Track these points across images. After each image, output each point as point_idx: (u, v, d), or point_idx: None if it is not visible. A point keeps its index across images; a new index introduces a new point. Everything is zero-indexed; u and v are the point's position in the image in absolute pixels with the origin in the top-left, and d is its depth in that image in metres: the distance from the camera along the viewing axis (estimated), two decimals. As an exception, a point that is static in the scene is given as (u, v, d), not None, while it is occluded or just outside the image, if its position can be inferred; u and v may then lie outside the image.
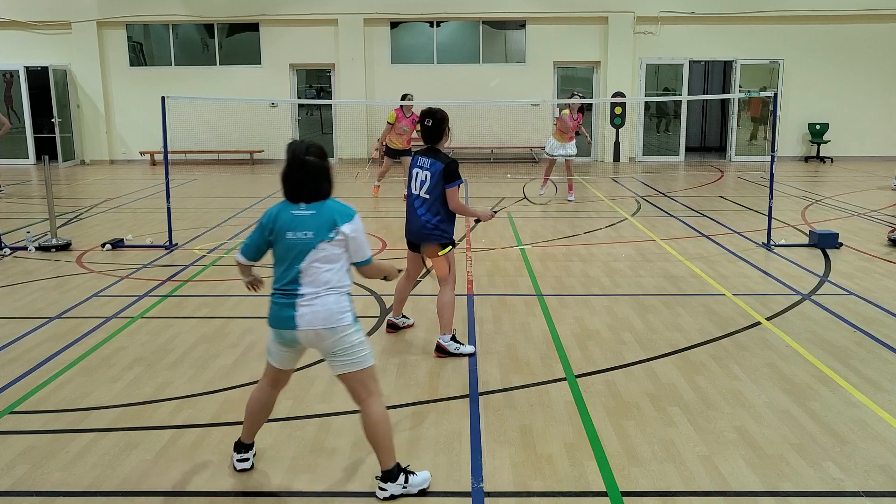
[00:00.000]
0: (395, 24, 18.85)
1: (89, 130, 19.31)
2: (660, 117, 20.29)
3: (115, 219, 11.30)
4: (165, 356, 5.55)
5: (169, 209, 9.34)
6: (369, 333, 5.99)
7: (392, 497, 3.60)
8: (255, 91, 18.37)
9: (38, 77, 18.35)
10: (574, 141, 12.74)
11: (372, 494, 3.66)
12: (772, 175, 8.95)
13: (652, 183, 15.07)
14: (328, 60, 18.91)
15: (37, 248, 9.01)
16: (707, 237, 9.67)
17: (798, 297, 6.93)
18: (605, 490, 3.69)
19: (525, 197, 6.64)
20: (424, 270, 6.17)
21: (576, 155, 12.64)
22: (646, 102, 19.30)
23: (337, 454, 4.07)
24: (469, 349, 5.52)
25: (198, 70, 19.05)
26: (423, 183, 5.38)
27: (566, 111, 12.45)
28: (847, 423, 4.38)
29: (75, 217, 11.43)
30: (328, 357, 3.60)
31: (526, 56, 18.84)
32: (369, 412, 3.60)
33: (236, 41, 19.25)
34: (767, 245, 9.03)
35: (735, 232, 9.97)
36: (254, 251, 3.68)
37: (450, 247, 5.45)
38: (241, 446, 3.90)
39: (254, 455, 3.94)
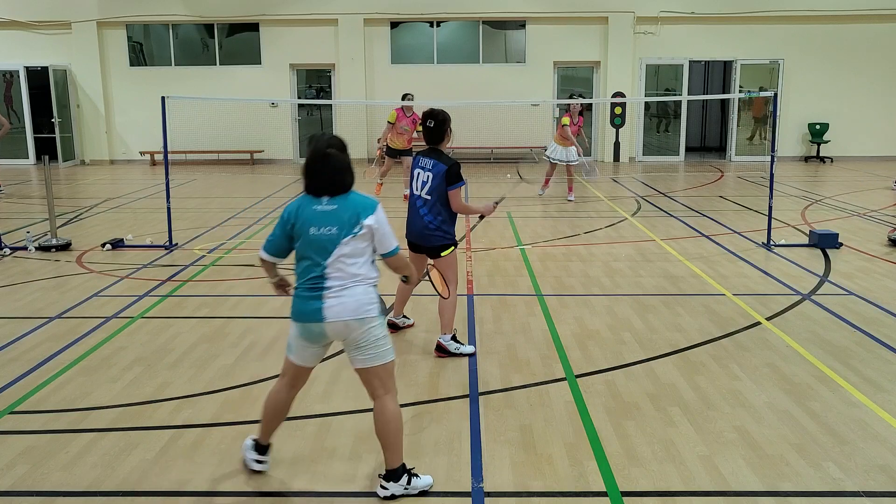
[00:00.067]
0: (395, 24, 18.85)
1: (89, 130, 19.31)
2: (660, 117, 20.30)
3: (115, 219, 11.30)
4: (165, 356, 5.55)
5: (169, 209, 9.34)
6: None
7: (392, 497, 3.60)
8: (255, 91, 18.37)
9: (38, 77, 18.35)
10: (575, 147, 12.72)
11: (372, 494, 3.66)
12: (772, 175, 8.95)
13: (652, 183, 15.08)
14: (328, 60, 18.91)
15: (37, 248, 9.01)
16: (707, 237, 9.67)
17: (798, 297, 6.93)
18: (605, 490, 3.69)
19: (519, 175, 6.63)
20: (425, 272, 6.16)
21: (577, 161, 12.62)
22: (646, 102, 19.30)
23: (337, 454, 4.07)
24: (469, 349, 5.52)
25: (198, 70, 19.05)
26: (424, 184, 5.37)
27: (567, 119, 12.43)
28: (847, 423, 4.38)
29: (75, 217, 11.43)
30: (351, 350, 3.58)
31: (526, 56, 18.84)
32: (384, 409, 3.59)
33: (236, 41, 19.24)
34: (767, 245, 9.03)
35: (735, 232, 9.97)
36: (276, 247, 3.64)
37: (452, 247, 5.46)
38: (261, 447, 3.86)
39: None
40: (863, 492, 3.66)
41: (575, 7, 18.36)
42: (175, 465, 3.96)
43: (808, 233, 9.44)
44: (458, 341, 5.53)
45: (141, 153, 19.10)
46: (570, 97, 13.17)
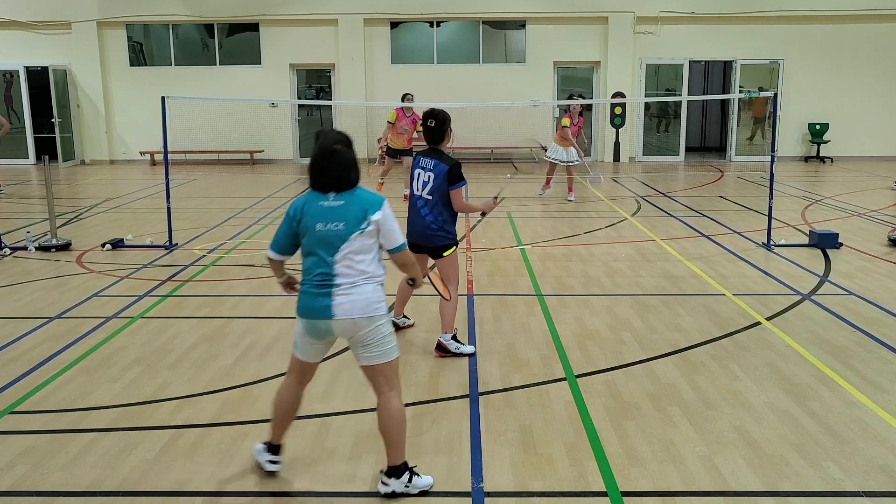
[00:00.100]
0: (395, 24, 18.85)
1: (89, 130, 19.32)
2: (660, 117, 20.30)
3: (115, 219, 11.30)
4: (165, 356, 5.55)
5: (169, 209, 9.34)
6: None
7: (393, 494, 3.60)
8: (255, 91, 18.37)
9: (38, 77, 18.35)
10: (574, 148, 12.72)
11: (372, 494, 3.66)
12: (772, 175, 8.95)
13: (652, 183, 15.07)
14: (328, 60, 18.91)
15: (37, 248, 9.01)
16: (707, 237, 9.67)
17: (798, 297, 6.93)
18: (605, 490, 3.69)
19: (513, 164, 6.60)
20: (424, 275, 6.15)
21: (577, 162, 12.63)
22: (646, 102, 19.30)
23: (337, 454, 4.07)
24: (469, 349, 5.52)
25: (198, 70, 19.05)
26: (425, 184, 5.37)
27: (567, 120, 12.43)
28: (847, 423, 4.38)
29: (75, 217, 11.43)
30: (358, 348, 3.58)
31: (526, 56, 18.84)
32: (388, 406, 3.59)
33: (236, 41, 19.24)
34: (767, 245, 9.03)
35: (735, 232, 9.97)
36: (283, 245, 3.64)
37: (454, 247, 5.46)
38: (273, 447, 3.84)
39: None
40: (863, 492, 3.66)
41: (575, 7, 18.37)
42: (175, 465, 3.96)
43: (808, 233, 9.44)
44: (458, 341, 5.53)
45: (141, 153, 19.10)
46: (570, 97, 13.15)
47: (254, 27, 18.89)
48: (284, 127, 18.99)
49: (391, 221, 3.58)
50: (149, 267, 8.26)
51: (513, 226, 10.48)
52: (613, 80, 18.56)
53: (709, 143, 22.13)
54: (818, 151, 18.71)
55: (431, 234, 5.38)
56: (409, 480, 3.61)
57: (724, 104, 20.33)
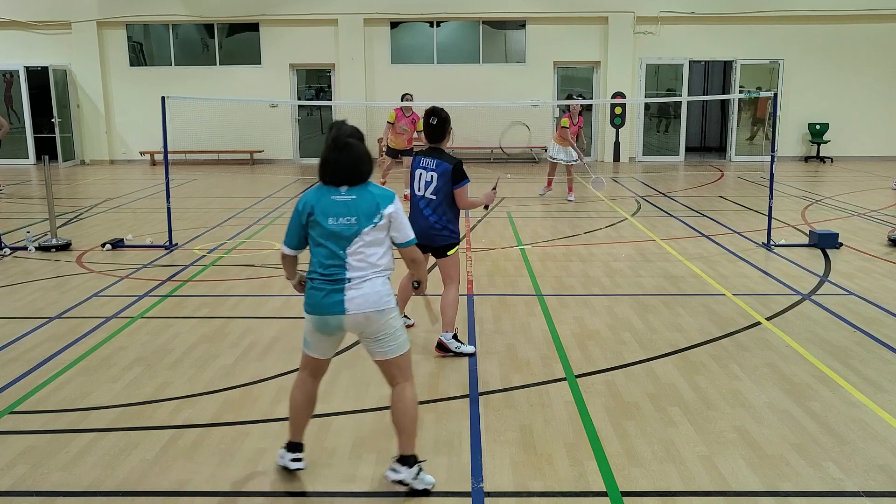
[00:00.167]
0: (395, 24, 18.85)
1: (89, 130, 19.32)
2: (660, 117, 20.29)
3: (115, 219, 11.30)
4: (165, 356, 5.55)
5: (169, 209, 9.34)
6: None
7: (402, 482, 3.59)
8: (255, 91, 18.37)
9: (38, 77, 18.35)
10: (573, 148, 12.72)
11: (372, 494, 3.66)
12: (772, 175, 8.95)
13: (652, 183, 15.08)
14: (328, 60, 18.91)
15: (37, 248, 9.01)
16: (707, 237, 9.67)
17: (798, 297, 6.93)
18: (605, 490, 3.69)
19: (501, 149, 6.57)
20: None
21: (577, 162, 12.63)
22: (646, 103, 19.29)
23: (337, 454, 4.06)
24: (469, 349, 5.52)
25: (198, 70, 19.05)
26: (428, 184, 5.35)
27: (566, 120, 12.43)
28: (847, 423, 4.38)
29: (75, 217, 11.43)
30: (370, 342, 3.58)
31: (526, 56, 18.84)
32: (403, 395, 3.61)
33: (236, 41, 19.24)
34: (767, 245, 9.03)
35: (735, 232, 9.97)
36: (296, 240, 3.64)
37: (457, 246, 5.46)
38: (293, 446, 3.83)
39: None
40: (863, 492, 3.66)
41: (575, 7, 18.36)
42: (175, 465, 3.96)
43: (808, 233, 9.44)
44: (458, 340, 5.53)
45: (141, 153, 19.10)
46: (569, 97, 13.14)
47: (254, 27, 18.89)
48: (284, 127, 18.98)
49: (403, 216, 3.60)
50: (149, 267, 8.26)
51: (513, 226, 10.48)
52: (613, 81, 18.56)
53: (709, 143, 22.14)
54: (818, 151, 18.71)
55: (436, 233, 5.37)
56: (418, 473, 3.62)
57: (724, 104, 20.33)
